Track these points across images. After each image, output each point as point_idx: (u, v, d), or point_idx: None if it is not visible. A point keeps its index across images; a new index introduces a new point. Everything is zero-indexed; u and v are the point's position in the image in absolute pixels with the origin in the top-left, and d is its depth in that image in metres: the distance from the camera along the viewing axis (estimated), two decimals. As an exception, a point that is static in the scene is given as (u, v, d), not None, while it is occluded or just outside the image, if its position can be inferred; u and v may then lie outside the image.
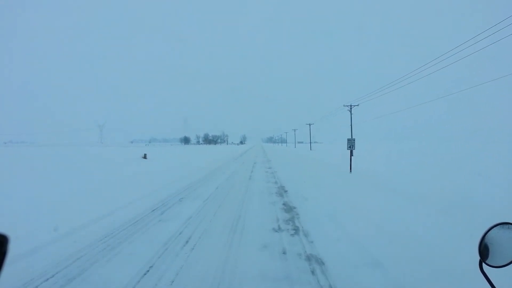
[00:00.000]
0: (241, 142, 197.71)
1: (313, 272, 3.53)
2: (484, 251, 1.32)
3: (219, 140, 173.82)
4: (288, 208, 6.88)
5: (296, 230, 5.20)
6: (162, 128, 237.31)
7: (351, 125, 27.12)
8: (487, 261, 1.32)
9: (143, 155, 25.39)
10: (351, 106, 27.65)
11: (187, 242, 4.59)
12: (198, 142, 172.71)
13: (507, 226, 1.30)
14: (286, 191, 9.20)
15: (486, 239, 1.32)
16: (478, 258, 1.33)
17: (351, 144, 15.87)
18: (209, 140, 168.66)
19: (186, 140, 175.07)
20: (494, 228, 1.32)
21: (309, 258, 3.96)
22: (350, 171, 14.74)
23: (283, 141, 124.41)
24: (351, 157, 16.15)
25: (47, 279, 3.41)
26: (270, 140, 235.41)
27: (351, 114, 27.65)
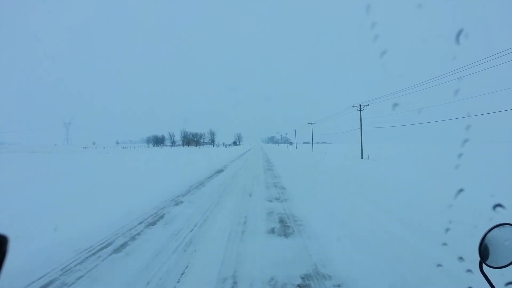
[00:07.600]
0: (235, 143, 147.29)
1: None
2: (484, 251, 1.33)
3: (202, 140, 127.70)
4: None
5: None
6: (160, 126, 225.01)
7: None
8: (487, 262, 1.33)
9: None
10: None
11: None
12: (173, 143, 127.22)
13: (507, 226, 1.31)
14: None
15: (486, 240, 1.33)
16: (478, 258, 1.34)
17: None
18: (188, 140, 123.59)
19: (157, 141, 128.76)
20: (494, 229, 1.32)
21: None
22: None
23: (286, 141, 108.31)
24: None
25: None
26: (272, 140, 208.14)
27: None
